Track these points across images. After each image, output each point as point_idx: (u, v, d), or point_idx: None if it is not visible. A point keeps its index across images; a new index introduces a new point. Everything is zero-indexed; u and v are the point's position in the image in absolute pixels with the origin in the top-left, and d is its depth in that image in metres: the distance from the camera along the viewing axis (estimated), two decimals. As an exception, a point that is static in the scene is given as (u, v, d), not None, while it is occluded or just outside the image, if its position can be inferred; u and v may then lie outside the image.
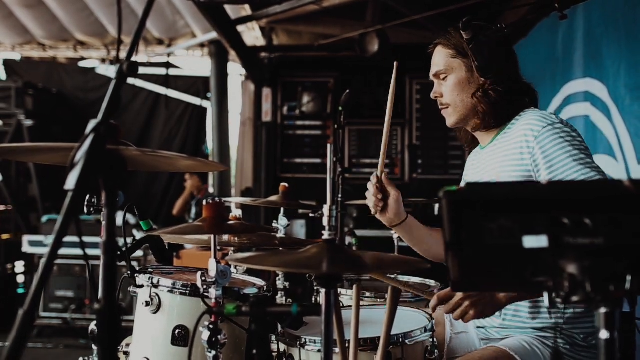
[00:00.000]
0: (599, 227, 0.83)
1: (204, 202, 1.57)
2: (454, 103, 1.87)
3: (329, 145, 1.45)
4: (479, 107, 1.82)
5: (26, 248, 5.65)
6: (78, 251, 4.86)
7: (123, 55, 1.04)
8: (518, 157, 1.71)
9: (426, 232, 2.05)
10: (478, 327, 1.90)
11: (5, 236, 6.25)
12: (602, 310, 0.83)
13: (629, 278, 0.82)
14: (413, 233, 2.02)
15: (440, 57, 1.89)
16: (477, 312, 1.56)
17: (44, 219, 6.02)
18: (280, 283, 2.68)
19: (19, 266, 6.20)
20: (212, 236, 1.58)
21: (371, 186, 1.94)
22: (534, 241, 0.85)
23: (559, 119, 1.69)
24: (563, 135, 1.63)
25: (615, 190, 0.87)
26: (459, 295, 1.56)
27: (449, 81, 1.87)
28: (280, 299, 2.66)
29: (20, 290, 6.10)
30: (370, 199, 1.94)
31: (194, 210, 6.63)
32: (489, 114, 1.82)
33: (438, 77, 1.91)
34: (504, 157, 1.78)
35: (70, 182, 0.94)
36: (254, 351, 1.19)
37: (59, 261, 5.25)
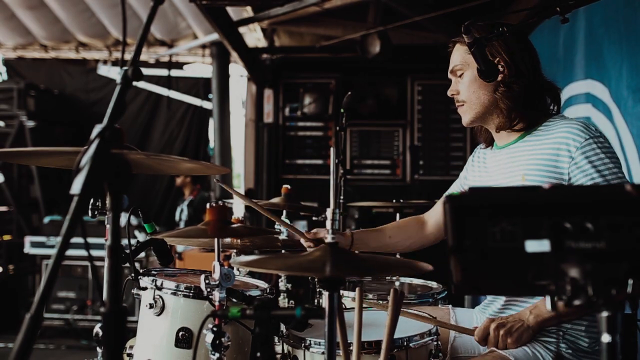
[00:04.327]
0: (601, 232, 0.83)
1: (208, 205, 1.57)
2: (470, 100, 1.81)
3: (332, 148, 1.46)
4: (502, 103, 1.76)
5: (28, 249, 5.66)
6: (79, 252, 4.87)
7: (127, 57, 1.05)
8: (553, 161, 1.67)
9: (380, 235, 2.09)
10: None
11: (6, 237, 6.26)
12: (604, 313, 0.84)
13: (630, 282, 0.82)
14: (370, 244, 2.06)
15: (458, 54, 1.84)
16: (514, 340, 1.64)
17: (46, 220, 6.03)
18: (282, 285, 2.69)
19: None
20: (216, 239, 1.59)
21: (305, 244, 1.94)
22: (537, 245, 0.85)
23: (599, 132, 1.67)
24: (604, 150, 1.63)
25: (616, 194, 0.88)
26: (491, 326, 1.66)
27: (465, 78, 1.81)
28: (282, 300, 2.67)
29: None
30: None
31: (186, 212, 6.56)
32: (514, 110, 1.76)
33: (455, 73, 1.86)
34: (532, 159, 1.72)
35: (76, 186, 0.95)
36: (258, 353, 1.20)
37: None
